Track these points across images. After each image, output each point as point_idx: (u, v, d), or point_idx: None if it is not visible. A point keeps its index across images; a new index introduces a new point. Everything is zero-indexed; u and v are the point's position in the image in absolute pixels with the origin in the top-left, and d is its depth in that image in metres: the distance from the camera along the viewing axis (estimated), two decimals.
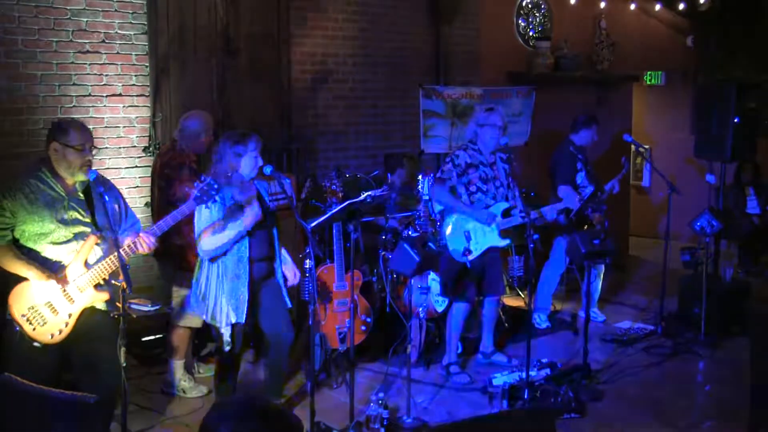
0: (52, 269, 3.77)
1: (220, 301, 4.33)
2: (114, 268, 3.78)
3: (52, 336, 3.75)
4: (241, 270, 4.33)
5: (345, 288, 5.35)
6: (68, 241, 3.80)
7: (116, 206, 3.97)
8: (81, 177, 3.82)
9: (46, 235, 3.77)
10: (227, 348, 4.41)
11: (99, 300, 3.86)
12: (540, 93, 7.81)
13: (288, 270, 4.67)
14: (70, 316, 3.78)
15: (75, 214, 3.82)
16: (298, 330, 5.10)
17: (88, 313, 3.84)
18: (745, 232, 8.26)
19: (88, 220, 3.85)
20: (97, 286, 3.82)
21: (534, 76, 8.12)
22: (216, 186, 3.97)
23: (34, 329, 3.72)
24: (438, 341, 5.90)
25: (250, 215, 4.31)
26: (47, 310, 3.74)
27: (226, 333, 4.37)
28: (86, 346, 3.86)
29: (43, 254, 3.78)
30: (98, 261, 3.82)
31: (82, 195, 3.87)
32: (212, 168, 4.40)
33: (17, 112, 5.23)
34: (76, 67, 5.46)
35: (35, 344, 3.73)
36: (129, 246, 3.81)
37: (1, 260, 3.75)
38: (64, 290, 3.77)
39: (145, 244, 3.84)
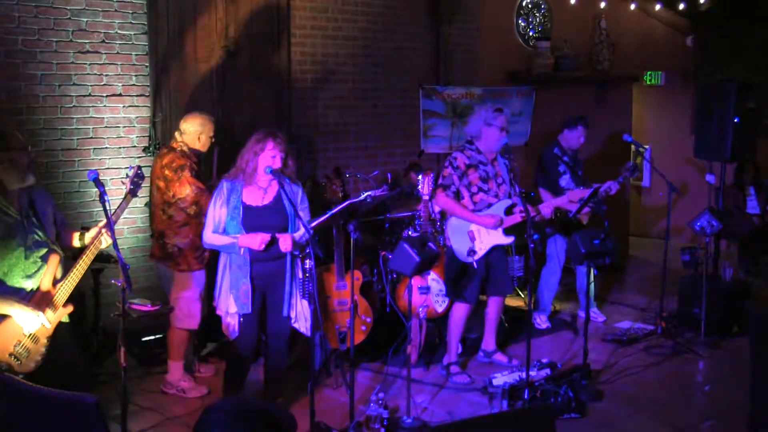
0: (27, 299, 3.70)
1: (224, 290, 4.44)
2: (81, 276, 3.78)
3: (36, 363, 3.71)
4: (242, 263, 4.39)
5: (345, 288, 5.36)
6: (39, 268, 3.75)
7: (53, 212, 3.94)
8: (31, 180, 3.75)
9: (15, 265, 3.70)
10: (229, 338, 4.43)
11: (66, 314, 3.84)
12: (540, 93, 7.81)
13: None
14: (48, 339, 3.76)
15: (35, 237, 3.76)
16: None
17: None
18: (745, 232, 8.25)
19: (45, 239, 3.80)
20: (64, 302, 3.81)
21: (534, 76, 8.12)
22: (141, 174, 4.06)
23: (20, 363, 3.66)
24: (438, 341, 5.90)
25: (248, 243, 4.33)
26: (29, 341, 3.69)
27: (227, 321, 4.44)
28: (50, 355, 3.79)
29: (12, 285, 3.70)
30: (63, 277, 3.80)
31: (30, 210, 3.79)
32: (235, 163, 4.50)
33: (17, 112, 5.23)
34: (76, 67, 5.46)
35: (20, 376, 3.59)
36: (96, 245, 3.81)
37: None
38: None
39: (110, 238, 3.84)
